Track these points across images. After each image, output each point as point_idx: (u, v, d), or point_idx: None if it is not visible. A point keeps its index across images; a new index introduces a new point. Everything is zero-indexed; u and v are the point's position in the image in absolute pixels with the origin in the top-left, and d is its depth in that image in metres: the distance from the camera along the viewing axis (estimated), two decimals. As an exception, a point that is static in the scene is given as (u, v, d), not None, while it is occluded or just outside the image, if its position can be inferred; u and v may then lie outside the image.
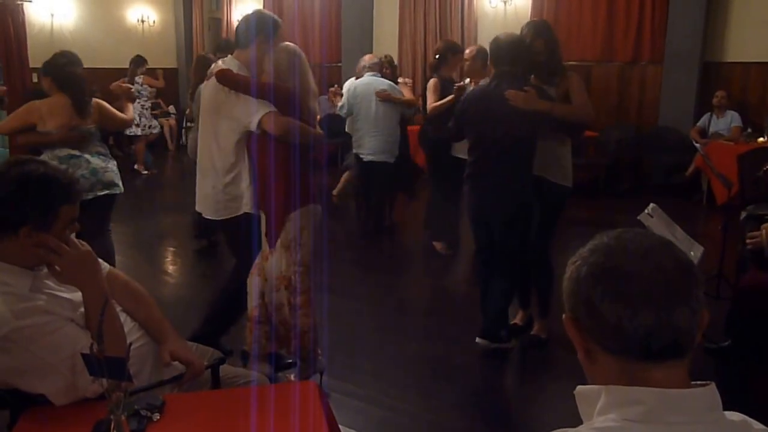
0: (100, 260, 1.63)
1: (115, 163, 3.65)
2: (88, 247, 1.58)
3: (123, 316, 1.68)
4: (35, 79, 9.50)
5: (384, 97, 5.11)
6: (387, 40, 8.88)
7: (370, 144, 5.17)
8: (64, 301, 1.55)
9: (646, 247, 0.85)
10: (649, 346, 0.82)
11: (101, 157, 3.54)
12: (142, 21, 10.87)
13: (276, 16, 2.79)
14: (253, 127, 2.53)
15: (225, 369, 1.86)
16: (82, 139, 3.46)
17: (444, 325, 3.56)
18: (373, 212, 5.56)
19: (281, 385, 1.80)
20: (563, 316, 0.91)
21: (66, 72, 3.47)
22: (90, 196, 3.44)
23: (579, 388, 0.90)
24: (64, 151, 3.41)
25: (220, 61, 2.76)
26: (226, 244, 3.05)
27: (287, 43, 2.70)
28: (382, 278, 4.50)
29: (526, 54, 2.95)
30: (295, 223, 2.61)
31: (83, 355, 1.28)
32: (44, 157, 3.42)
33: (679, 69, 6.89)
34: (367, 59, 5.51)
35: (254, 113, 2.51)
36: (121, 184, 3.64)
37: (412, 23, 8.76)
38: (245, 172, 2.65)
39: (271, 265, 2.64)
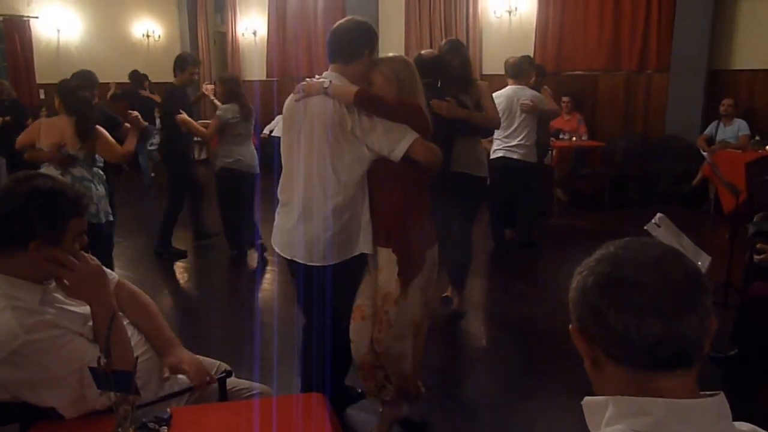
0: (108, 271, 1.63)
1: (97, 190, 3.63)
2: (97, 261, 1.59)
3: (130, 329, 1.68)
4: (42, 95, 9.65)
5: None
6: (392, 51, 8.88)
7: None
8: (73, 315, 1.55)
9: (653, 256, 0.85)
10: (657, 356, 0.81)
11: (85, 182, 3.57)
12: (148, 36, 11.00)
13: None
14: (398, 155, 2.19)
15: (233, 382, 1.86)
16: (65, 160, 3.57)
17: (447, 335, 3.54)
18: None
19: (286, 398, 1.79)
20: (570, 326, 0.90)
21: (73, 95, 3.59)
22: None
23: (586, 399, 0.89)
24: (49, 170, 3.49)
25: (319, 77, 2.35)
26: (336, 289, 2.41)
27: (395, 54, 2.47)
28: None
29: (445, 69, 3.30)
30: (431, 259, 2.36)
31: (91, 369, 1.28)
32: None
33: (685, 77, 6.87)
34: None
35: (398, 140, 2.18)
36: (103, 215, 3.63)
37: (417, 34, 8.80)
38: (365, 207, 2.29)
39: (402, 310, 2.31)
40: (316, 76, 2.36)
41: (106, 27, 10.40)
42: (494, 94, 4.99)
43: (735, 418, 0.86)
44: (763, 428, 0.89)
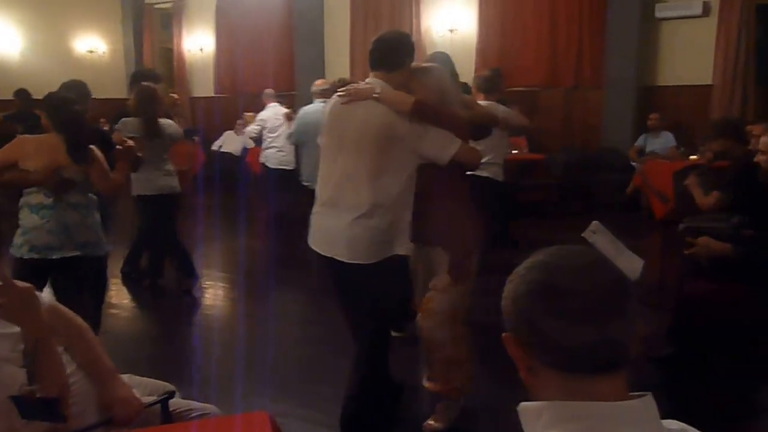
0: (40, 294, 1.59)
1: (97, 218, 3.18)
2: (25, 284, 1.54)
3: (65, 356, 1.62)
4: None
5: None
6: (339, 67, 9.02)
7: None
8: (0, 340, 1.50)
9: (580, 263, 0.87)
10: (588, 360, 0.84)
11: (81, 210, 3.08)
12: (91, 52, 10.76)
13: None
14: (446, 159, 2.31)
15: (176, 403, 1.83)
16: (63, 185, 3.01)
17: (404, 347, 3.57)
18: None
19: (229, 417, 1.78)
20: (503, 335, 0.91)
21: (63, 109, 3.07)
22: (56, 255, 2.99)
23: (522, 405, 0.90)
24: (38, 198, 3.01)
25: (363, 83, 2.43)
26: (358, 294, 2.50)
27: (432, 64, 2.55)
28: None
29: None
30: (476, 253, 2.51)
31: (12, 398, 1.24)
32: (21, 200, 3.09)
33: (617, 93, 7.23)
34: (317, 84, 5.32)
35: (446, 146, 2.31)
36: (102, 244, 3.18)
37: (363, 50, 8.93)
38: (407, 210, 2.37)
39: (451, 301, 2.46)
40: (361, 82, 2.45)
41: (48, 43, 10.13)
42: None
43: (670, 416, 0.90)
44: (694, 425, 0.92)
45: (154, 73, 5.29)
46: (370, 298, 2.46)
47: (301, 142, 5.14)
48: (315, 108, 5.12)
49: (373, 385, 2.54)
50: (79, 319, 1.76)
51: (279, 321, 4.10)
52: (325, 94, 5.11)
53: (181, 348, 3.81)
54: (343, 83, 5.65)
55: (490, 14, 8.07)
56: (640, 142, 7.04)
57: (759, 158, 3.00)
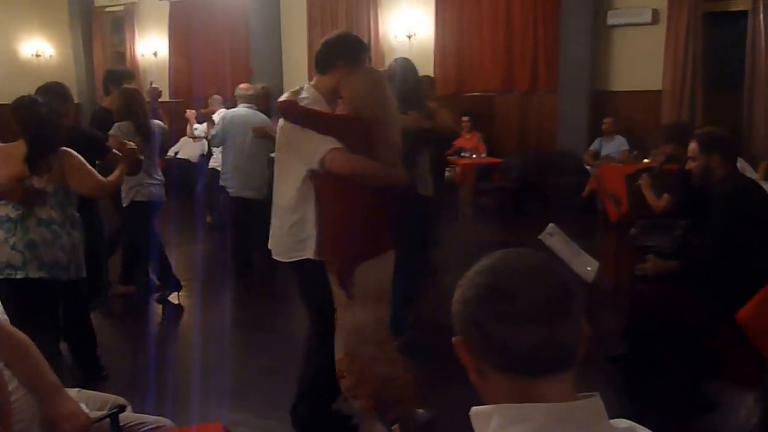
0: None
1: (74, 238, 2.92)
2: None
3: (9, 372, 1.57)
4: None
5: (262, 134, 4.64)
6: (296, 73, 8.96)
7: (240, 179, 4.89)
8: None
9: (527, 266, 0.89)
10: (536, 362, 0.85)
11: (53, 227, 2.84)
12: (38, 55, 10.46)
13: (361, 39, 2.57)
14: (315, 165, 2.26)
15: (127, 416, 1.79)
16: (30, 197, 2.79)
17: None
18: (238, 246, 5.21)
19: (183, 430, 1.74)
20: (453, 339, 0.92)
21: (30, 111, 2.85)
22: (19, 275, 2.73)
23: (473, 409, 0.91)
24: (6, 210, 2.80)
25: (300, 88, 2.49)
26: (299, 290, 2.67)
27: (369, 66, 2.48)
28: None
29: (395, 87, 3.20)
30: (376, 271, 2.38)
31: None
32: None
33: (571, 97, 7.41)
34: (242, 88, 5.21)
35: (315, 150, 2.24)
36: (75, 268, 2.92)
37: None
38: (310, 214, 2.38)
39: (355, 317, 2.39)
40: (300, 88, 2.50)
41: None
42: None
43: (625, 413, 0.92)
44: (646, 423, 0.93)
45: (129, 72, 5.09)
46: (302, 296, 2.61)
47: (224, 144, 5.02)
48: (240, 112, 5.02)
49: (317, 388, 2.56)
50: (20, 334, 1.68)
51: (234, 328, 4.05)
52: (250, 99, 5.09)
53: (136, 359, 3.71)
54: (266, 91, 5.49)
55: (448, 20, 8.18)
56: (595, 145, 7.23)
57: (689, 165, 2.97)
